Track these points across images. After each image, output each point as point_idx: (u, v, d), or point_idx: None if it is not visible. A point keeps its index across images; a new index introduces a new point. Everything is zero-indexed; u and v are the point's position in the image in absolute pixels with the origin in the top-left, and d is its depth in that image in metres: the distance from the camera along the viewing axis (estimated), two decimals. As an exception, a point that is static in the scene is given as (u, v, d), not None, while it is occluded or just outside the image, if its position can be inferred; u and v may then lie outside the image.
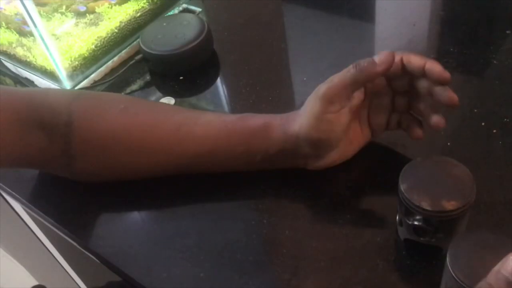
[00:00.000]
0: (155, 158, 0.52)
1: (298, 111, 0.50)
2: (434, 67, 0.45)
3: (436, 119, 0.47)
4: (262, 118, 0.52)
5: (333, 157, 0.51)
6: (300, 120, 0.49)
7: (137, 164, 0.53)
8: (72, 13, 0.68)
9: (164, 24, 0.73)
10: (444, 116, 0.47)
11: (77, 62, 0.70)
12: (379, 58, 0.46)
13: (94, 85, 0.72)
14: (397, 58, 0.47)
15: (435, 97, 0.46)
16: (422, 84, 0.47)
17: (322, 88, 0.47)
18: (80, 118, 0.52)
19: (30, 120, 0.51)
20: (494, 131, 0.53)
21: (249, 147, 0.51)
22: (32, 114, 0.51)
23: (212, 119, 0.53)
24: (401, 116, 0.51)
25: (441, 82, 0.45)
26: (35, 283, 1.05)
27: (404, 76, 0.48)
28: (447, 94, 0.45)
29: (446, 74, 0.44)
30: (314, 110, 0.47)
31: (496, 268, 0.38)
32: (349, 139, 0.51)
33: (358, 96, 0.49)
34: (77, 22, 0.70)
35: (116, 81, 0.71)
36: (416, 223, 0.42)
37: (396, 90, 0.50)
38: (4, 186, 0.59)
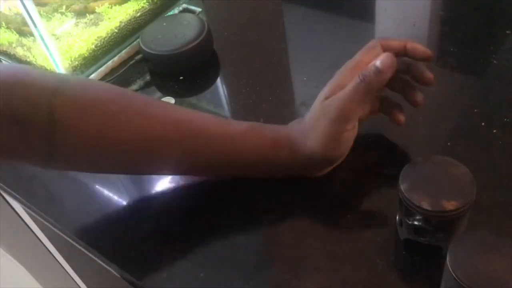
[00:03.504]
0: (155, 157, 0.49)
1: (303, 126, 0.49)
2: (416, 46, 0.48)
3: (415, 96, 0.50)
4: (268, 134, 0.50)
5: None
6: (312, 141, 0.47)
7: (132, 163, 0.49)
8: (72, 13, 0.68)
9: (164, 24, 0.73)
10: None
11: (77, 62, 0.70)
12: (383, 63, 0.45)
13: (94, 85, 0.72)
14: (379, 47, 0.49)
15: (414, 74, 0.49)
16: (401, 65, 0.49)
17: (334, 107, 0.46)
18: (65, 122, 0.46)
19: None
20: (494, 131, 0.53)
21: (256, 169, 0.51)
22: (4, 106, 0.44)
23: (216, 130, 0.49)
24: (382, 100, 0.52)
25: (425, 59, 0.48)
26: (35, 283, 1.05)
27: None
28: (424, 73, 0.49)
29: (428, 51, 0.48)
30: (331, 132, 0.46)
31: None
32: None
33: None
34: (77, 22, 0.70)
35: (116, 81, 0.71)
36: (416, 223, 0.42)
37: None
38: (4, 186, 0.59)
